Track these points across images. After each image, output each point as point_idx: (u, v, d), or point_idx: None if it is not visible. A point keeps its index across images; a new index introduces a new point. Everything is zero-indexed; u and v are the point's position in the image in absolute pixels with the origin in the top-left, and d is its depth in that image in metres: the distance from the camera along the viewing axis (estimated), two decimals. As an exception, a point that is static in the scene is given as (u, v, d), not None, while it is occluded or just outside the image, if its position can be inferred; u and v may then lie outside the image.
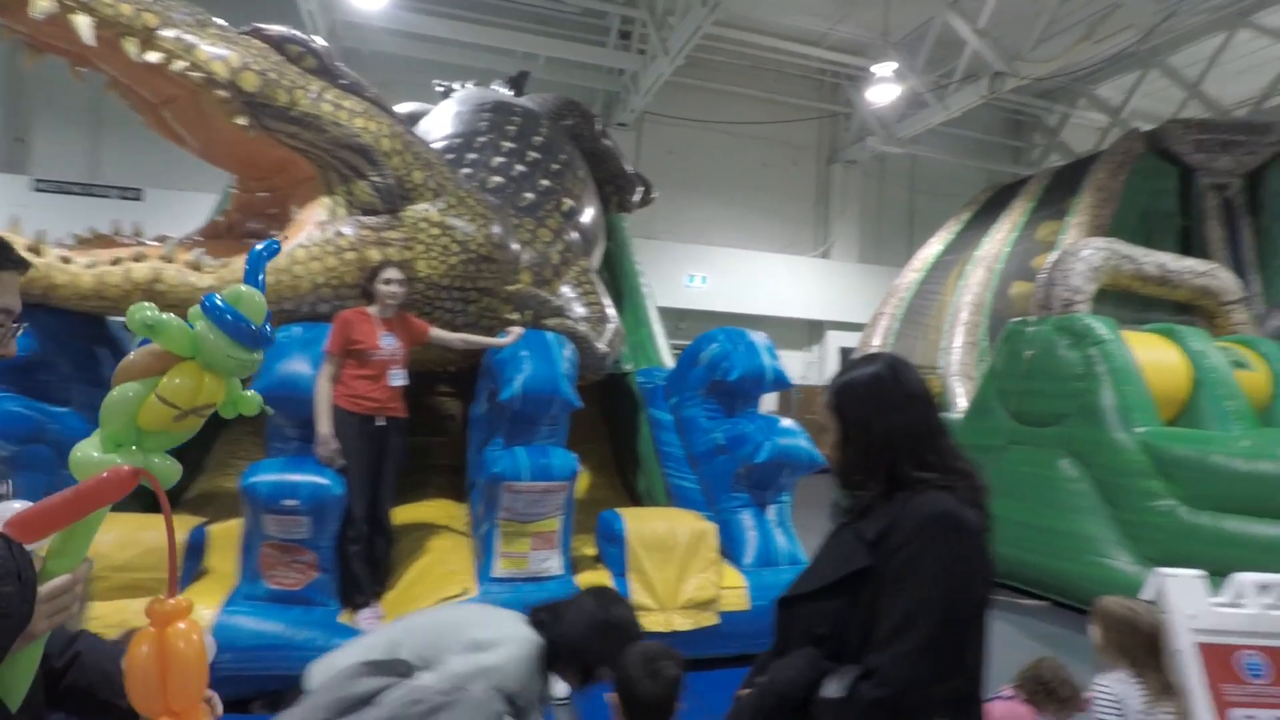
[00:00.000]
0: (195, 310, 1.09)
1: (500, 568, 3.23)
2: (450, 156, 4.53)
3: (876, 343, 9.64)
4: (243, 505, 3.00)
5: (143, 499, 1.39)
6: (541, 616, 1.87)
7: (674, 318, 11.76)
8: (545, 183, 4.73)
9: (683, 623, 3.25)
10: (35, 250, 3.01)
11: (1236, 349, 5.85)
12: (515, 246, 4.14)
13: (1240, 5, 10.04)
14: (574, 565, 3.45)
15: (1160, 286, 6.90)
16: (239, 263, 3.31)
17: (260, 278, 1.15)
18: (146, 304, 1.06)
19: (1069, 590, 4.92)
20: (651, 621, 3.21)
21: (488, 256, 3.91)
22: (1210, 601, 2.17)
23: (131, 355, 1.11)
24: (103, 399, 1.04)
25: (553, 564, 3.25)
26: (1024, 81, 10.34)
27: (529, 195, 4.58)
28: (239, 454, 4.15)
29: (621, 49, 11.50)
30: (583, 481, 4.99)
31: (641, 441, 4.63)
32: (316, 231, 3.47)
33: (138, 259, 3.14)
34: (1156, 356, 5.44)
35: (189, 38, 3.07)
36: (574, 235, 4.71)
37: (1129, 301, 6.87)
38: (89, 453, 1.04)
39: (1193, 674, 2.04)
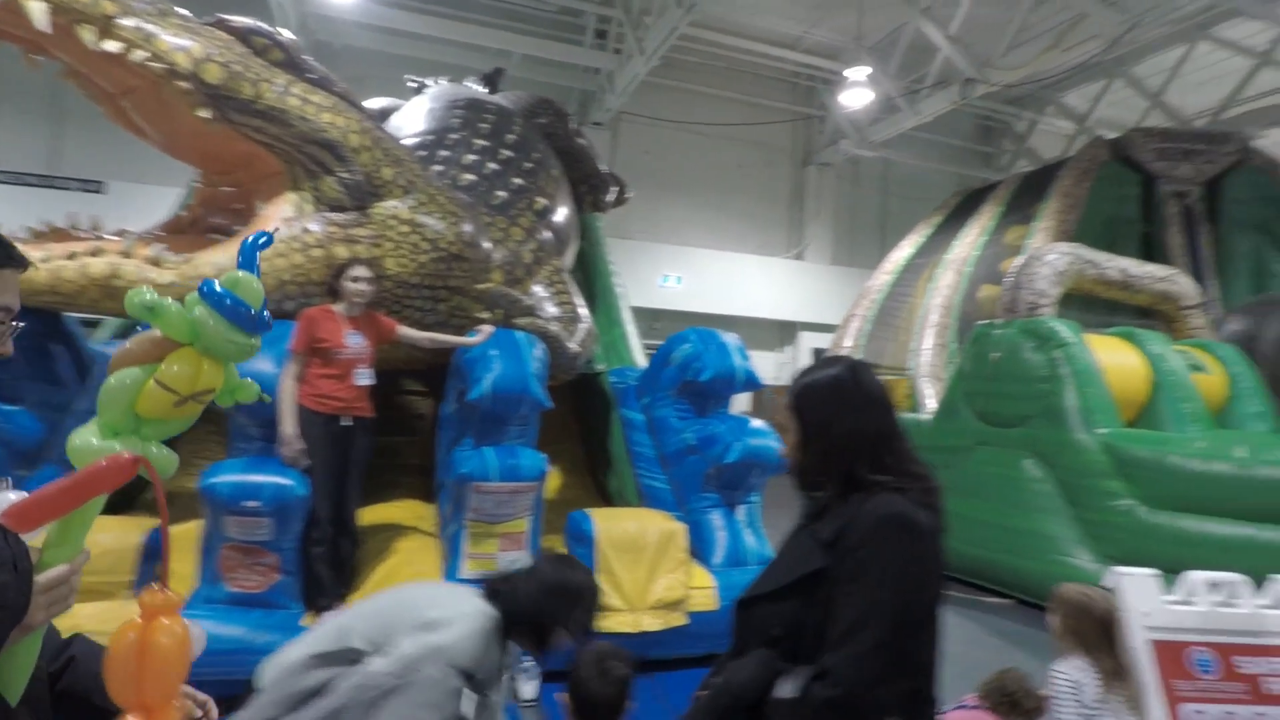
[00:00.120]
0: (192, 296, 1.09)
1: (467, 569, 3.21)
2: (422, 154, 4.49)
3: (848, 344, 9.74)
4: (203, 506, 2.93)
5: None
6: (496, 586, 1.86)
7: (648, 318, 11.78)
8: (518, 181, 4.70)
9: (651, 623, 3.25)
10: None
11: (1194, 353, 6.00)
12: (487, 245, 4.11)
13: (1201, 18, 10.32)
14: (543, 566, 3.42)
15: (1122, 291, 7.06)
16: (202, 259, 3.24)
17: (255, 264, 1.15)
18: (145, 288, 1.05)
19: (1032, 589, 5.01)
20: (620, 622, 3.21)
21: (458, 255, 3.87)
22: (1163, 600, 2.22)
23: (128, 342, 1.10)
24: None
25: (521, 565, 3.23)
26: (994, 88, 10.53)
27: (501, 193, 4.55)
28: (201, 454, 4.06)
29: (597, 48, 11.48)
30: (554, 481, 4.98)
31: (613, 441, 4.62)
32: (283, 228, 3.41)
33: (95, 254, 3.06)
34: (1118, 359, 5.57)
35: (149, 27, 3.00)
36: (547, 234, 4.69)
37: (1093, 305, 7.03)
38: (88, 440, 1.02)
39: (1146, 670, 2.09)
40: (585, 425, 5.27)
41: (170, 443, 1.13)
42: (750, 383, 4.00)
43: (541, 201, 4.74)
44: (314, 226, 3.45)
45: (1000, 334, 5.80)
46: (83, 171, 10.20)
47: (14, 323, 1.03)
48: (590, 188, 6.10)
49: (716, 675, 1.19)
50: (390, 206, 3.68)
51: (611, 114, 12.20)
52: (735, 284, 13.31)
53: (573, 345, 4.18)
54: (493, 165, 4.67)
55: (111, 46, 2.90)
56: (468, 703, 1.63)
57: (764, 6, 11.26)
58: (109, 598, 2.79)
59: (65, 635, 1.13)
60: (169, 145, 3.56)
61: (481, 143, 4.80)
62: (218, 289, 1.07)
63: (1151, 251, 8.68)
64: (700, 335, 4.09)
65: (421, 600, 1.81)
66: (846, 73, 10.81)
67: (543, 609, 1.79)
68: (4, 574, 0.84)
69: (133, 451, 0.96)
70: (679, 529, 3.51)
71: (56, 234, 3.18)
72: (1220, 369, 6.00)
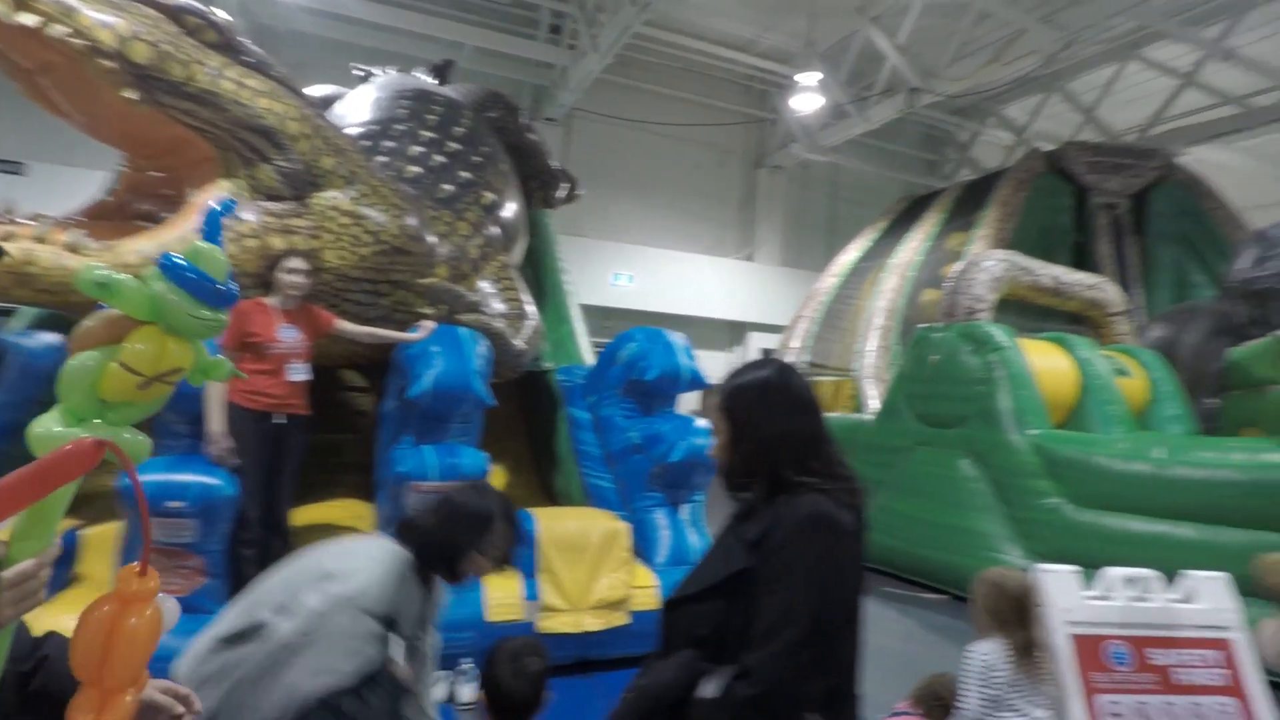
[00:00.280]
0: (151, 271, 1.02)
1: (406, 570, 3.14)
2: (365, 144, 4.37)
3: (796, 344, 9.90)
4: (123, 507, 2.80)
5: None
6: (407, 525, 1.83)
7: (599, 316, 11.74)
8: (465, 175, 4.62)
9: (593, 623, 3.24)
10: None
11: (1118, 358, 6.28)
12: (431, 239, 4.03)
13: (1131, 39, 10.81)
14: (484, 566, 3.38)
15: (1054, 297, 7.35)
16: (126, 246, 3.09)
17: (218, 236, 1.09)
18: (97, 264, 0.99)
19: (966, 584, 5.13)
20: (561, 622, 3.19)
21: (401, 248, 3.79)
22: (1083, 595, 2.32)
23: (87, 321, 1.02)
24: None
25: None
26: (938, 98, 10.84)
27: (448, 187, 4.46)
28: (125, 451, 3.88)
29: (551, 43, 11.38)
30: (499, 480, 4.92)
31: (559, 440, 4.59)
32: (214, 216, 3.27)
33: (5, 239, 2.89)
34: (1049, 363, 5.79)
35: (71, 0, 2.84)
36: (494, 230, 4.62)
37: (1027, 311, 7.29)
38: (49, 427, 0.96)
39: (1065, 663, 2.17)
40: (532, 423, 5.22)
41: None
42: (696, 382, 4.03)
43: (489, 196, 4.67)
44: (248, 216, 3.33)
45: (939, 337, 5.97)
46: (0, 151, 9.64)
47: None
48: (541, 184, 6.04)
49: (642, 677, 1.19)
50: (330, 197, 3.57)
51: (565, 110, 12.12)
52: (686, 284, 13.39)
53: (519, 342, 4.14)
54: (439, 158, 4.58)
55: (28, 20, 2.73)
56: (395, 647, 1.61)
57: (718, 9, 11.34)
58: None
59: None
60: (92, 127, 3.38)
61: (428, 135, 4.70)
62: (179, 261, 1.01)
63: (1082, 260, 9.06)
64: (647, 334, 4.09)
65: (326, 555, 1.77)
66: (798, 77, 10.97)
67: (451, 536, 1.76)
68: None
69: (98, 437, 0.91)
70: (622, 528, 3.51)
71: (-36, 217, 2.99)
72: (1142, 373, 6.29)
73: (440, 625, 2.70)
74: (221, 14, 3.45)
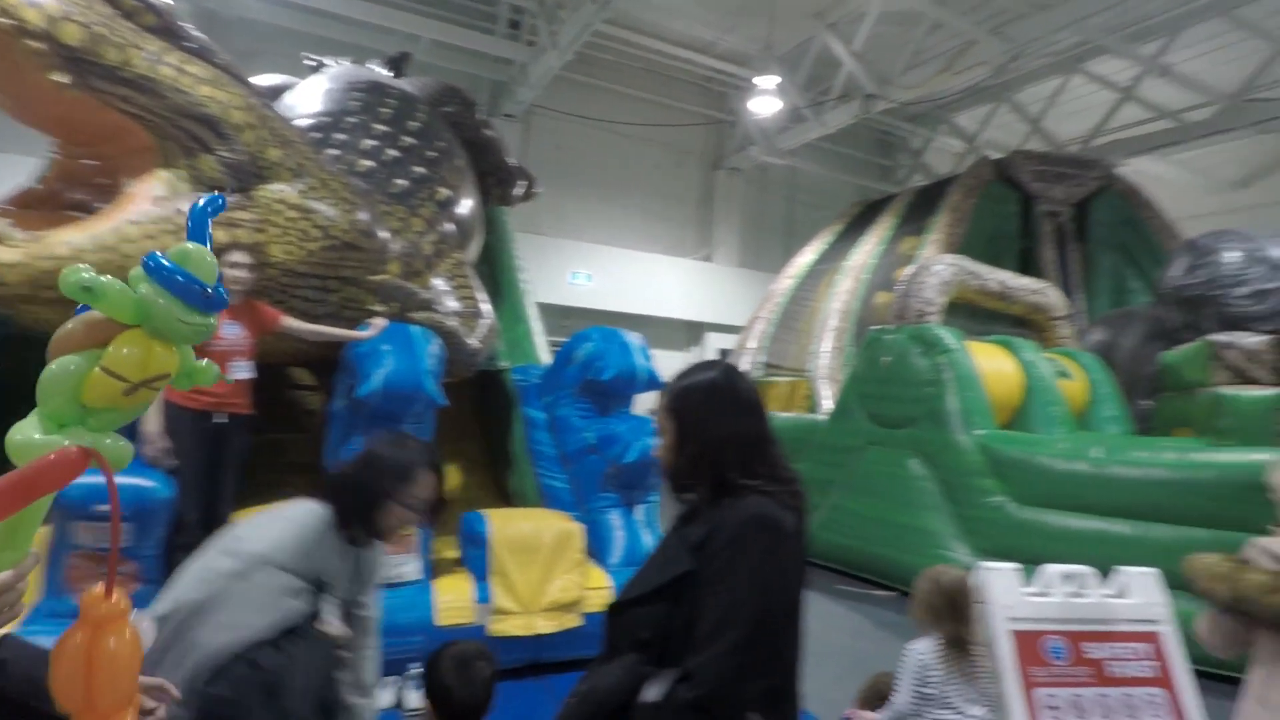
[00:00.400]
0: (136, 272, 0.97)
1: (353, 573, 3.06)
2: (316, 136, 4.26)
3: (753, 345, 9.99)
4: (50, 511, 2.67)
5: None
6: (326, 479, 1.81)
7: (557, 315, 11.67)
8: (420, 170, 4.54)
9: (545, 625, 3.21)
10: None
11: (1060, 360, 6.50)
12: (384, 235, 3.95)
13: (1075, 53, 11.19)
14: (434, 569, 3.33)
15: (1000, 301, 7.57)
16: (55, 238, 2.94)
17: (206, 235, 1.04)
18: (82, 265, 0.94)
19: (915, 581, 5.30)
20: (513, 625, 3.16)
21: (352, 244, 3.70)
22: (1023, 591, 2.38)
23: (68, 324, 0.97)
24: None
25: (409, 569, 3.12)
26: (893, 105, 11.06)
27: (402, 182, 4.38)
28: (55, 451, 3.71)
29: (510, 38, 11.27)
30: (453, 481, 4.85)
31: (514, 440, 4.55)
32: (152, 207, 3.14)
33: (-77, 227, 2.73)
34: (995, 365, 5.96)
35: (-5, -23, 2.70)
36: (449, 226, 4.55)
37: (975, 314, 7.49)
38: (29, 435, 0.91)
39: (1005, 659, 2.23)
40: (487, 423, 5.16)
41: None
42: (652, 383, 4.03)
43: (444, 192, 4.60)
44: (188, 207, 3.20)
45: (891, 339, 6.09)
46: (-77, 134, 9.12)
47: None
48: (498, 180, 5.97)
49: (585, 682, 1.18)
50: (277, 190, 3.46)
51: (523, 107, 12.01)
52: (645, 283, 13.40)
53: (473, 341, 4.08)
54: (393, 152, 4.49)
55: (-53, -4, 2.59)
56: (327, 606, 1.61)
57: (678, 10, 11.38)
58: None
59: None
60: (19, 111, 3.21)
61: (382, 128, 4.61)
62: (166, 263, 0.96)
63: (1028, 266, 9.35)
64: (603, 334, 4.08)
65: (241, 524, 1.75)
66: (756, 81, 11.07)
67: (369, 487, 1.72)
68: None
69: (81, 444, 0.89)
70: (576, 529, 3.48)
71: (-124, 203, 2.82)
72: (1083, 375, 6.53)
73: (388, 630, 2.65)
74: (162, -4, 3.31)
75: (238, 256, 3.07)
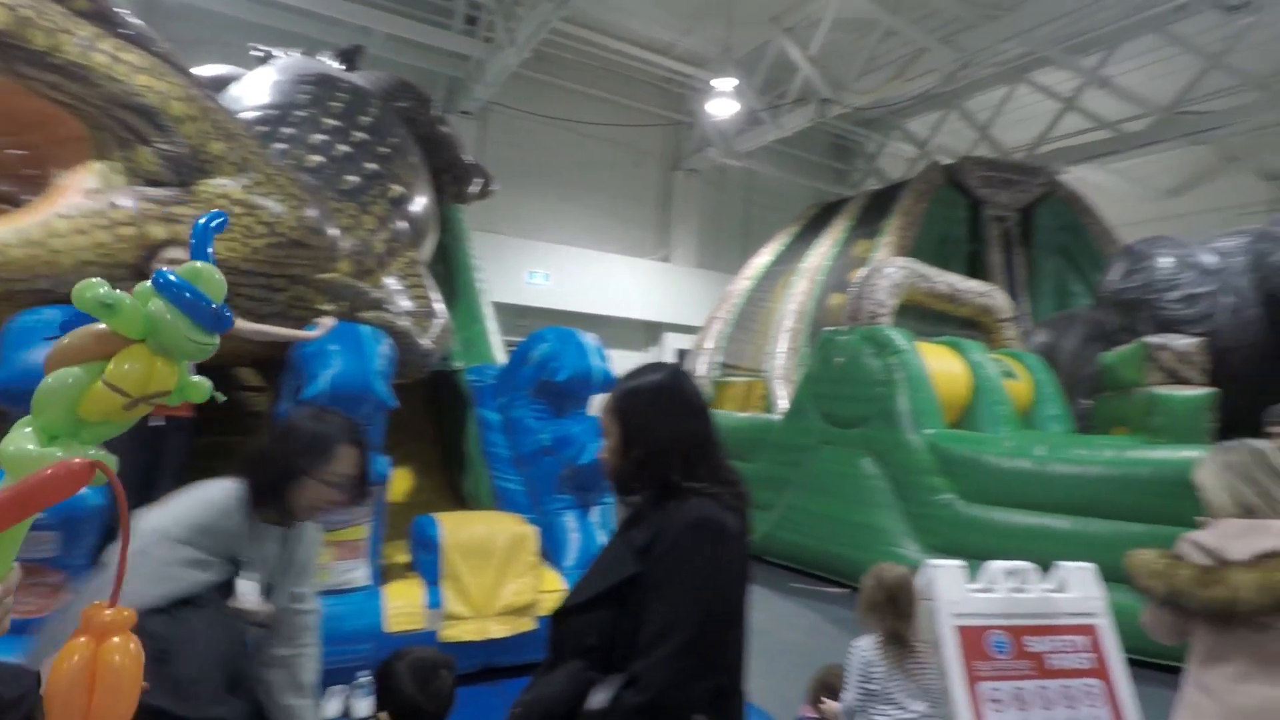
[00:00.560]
0: (144, 288, 0.96)
1: (299, 580, 2.98)
2: (262, 129, 4.13)
3: (709, 345, 10.06)
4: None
5: None
6: (244, 455, 1.77)
7: (515, 315, 11.57)
8: (372, 166, 4.44)
9: (499, 630, 3.17)
10: None
11: (1006, 361, 6.70)
12: (333, 232, 3.85)
13: (1020, 63, 11.54)
14: (384, 574, 3.26)
15: (949, 303, 7.76)
16: (-23, 231, 2.80)
17: (209, 252, 1.03)
18: (98, 280, 0.92)
19: (866, 578, 5.39)
20: (466, 630, 3.11)
21: (299, 241, 3.59)
22: (968, 588, 2.45)
23: (67, 338, 0.95)
24: None
25: (358, 575, 3.04)
26: (847, 110, 11.25)
27: (353, 178, 4.28)
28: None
29: (467, 34, 11.11)
30: (406, 483, 4.76)
31: (469, 442, 4.49)
32: (84, 201, 3.01)
33: None
34: (944, 366, 6.11)
35: (-89, -45, 2.55)
36: (402, 224, 4.46)
37: (925, 316, 7.67)
38: (23, 446, 0.90)
39: (950, 654, 2.29)
40: (441, 424, 5.08)
41: None
42: (608, 383, 4.01)
43: (397, 189, 4.51)
44: (124, 201, 3.07)
45: (844, 340, 6.19)
46: None
47: None
48: (453, 178, 5.88)
49: (529, 691, 1.16)
50: (220, 184, 3.35)
51: (480, 104, 11.86)
52: (603, 283, 13.37)
53: (425, 341, 4.01)
54: (344, 148, 4.39)
55: None
56: (244, 583, 1.58)
57: (637, 10, 11.38)
58: None
59: None
60: (-62, 96, 3.04)
61: (332, 122, 4.49)
62: (176, 280, 0.95)
63: (976, 269, 9.62)
64: (559, 334, 4.05)
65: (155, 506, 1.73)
66: (714, 83, 11.14)
67: (284, 461, 1.67)
68: None
69: (77, 457, 0.86)
70: (529, 532, 3.45)
71: None
72: (1027, 376, 6.74)
73: (335, 638, 2.58)
74: (95, -19, 3.17)
75: (175, 253, 2.95)
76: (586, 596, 1.17)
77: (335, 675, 2.80)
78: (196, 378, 1.07)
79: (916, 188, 9.92)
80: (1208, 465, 1.87)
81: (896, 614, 2.20)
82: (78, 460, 0.84)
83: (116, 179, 3.11)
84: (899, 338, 5.92)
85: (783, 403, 8.17)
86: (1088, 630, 2.46)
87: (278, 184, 3.56)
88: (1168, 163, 12.53)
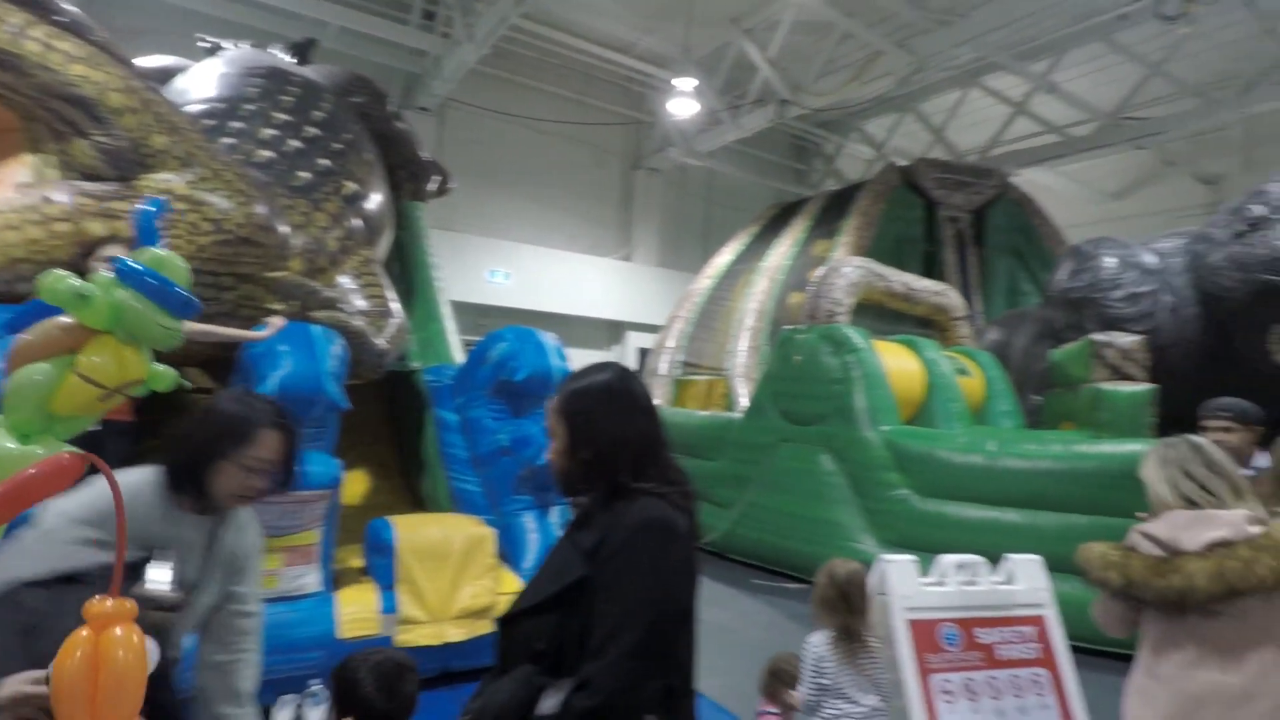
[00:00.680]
0: (104, 279, 0.92)
1: (248, 587, 2.90)
2: (209, 123, 4.01)
3: (671, 344, 10.08)
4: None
5: None
6: (165, 439, 1.70)
7: (475, 314, 11.45)
8: (325, 162, 4.35)
9: (456, 633, 3.13)
10: None
11: (959, 358, 6.85)
12: (284, 229, 3.75)
13: (973, 67, 11.83)
14: (337, 579, 3.19)
15: (905, 302, 7.91)
16: (-102, 226, 2.65)
17: (154, 238, 0.99)
18: (66, 273, 0.87)
19: (825, 573, 5.46)
20: (422, 635, 3.06)
21: (248, 238, 3.50)
22: (920, 582, 2.49)
23: (27, 334, 0.90)
24: None
25: (308, 580, 2.97)
26: (806, 111, 11.38)
27: (305, 175, 4.18)
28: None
29: (424, 29, 10.94)
30: (362, 486, 4.68)
31: (426, 443, 4.42)
32: (15, 195, 2.89)
33: None
34: (900, 364, 6.22)
35: None
36: (356, 222, 4.37)
37: (882, 314, 7.81)
38: (3, 444, 0.94)
39: (903, 647, 2.33)
40: (398, 426, 4.99)
41: None
42: (567, 383, 3.99)
43: (351, 186, 4.42)
44: (59, 196, 2.95)
45: (802, 339, 6.26)
46: None
47: None
48: (410, 175, 5.79)
49: (477, 699, 1.15)
50: (163, 179, 3.24)
51: (438, 100, 11.69)
52: (564, 282, 13.30)
53: (381, 341, 3.93)
54: (295, 143, 4.28)
55: None
56: (154, 569, 1.51)
57: (597, 8, 11.34)
58: None
59: None
60: None
61: (283, 117, 4.38)
62: (140, 268, 0.91)
63: (931, 269, 9.82)
64: (517, 334, 4.01)
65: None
66: (674, 82, 11.17)
67: (199, 443, 1.59)
68: None
69: (52, 451, 0.85)
70: (487, 534, 3.41)
71: None
72: (980, 373, 6.90)
73: (286, 646, 2.51)
74: (26, -35, 3.04)
75: (115, 250, 2.83)
76: (534, 601, 1.16)
77: (286, 684, 2.73)
78: (160, 366, 1.04)
79: (873, 189, 10.09)
80: (1150, 460, 1.93)
81: (849, 609, 2.23)
82: (68, 454, 0.82)
83: (50, 172, 3.00)
84: (856, 336, 6.02)
85: (744, 401, 8.23)
86: (1035, 621, 2.52)
87: (225, 179, 3.46)
88: (1112, 166, 12.97)
